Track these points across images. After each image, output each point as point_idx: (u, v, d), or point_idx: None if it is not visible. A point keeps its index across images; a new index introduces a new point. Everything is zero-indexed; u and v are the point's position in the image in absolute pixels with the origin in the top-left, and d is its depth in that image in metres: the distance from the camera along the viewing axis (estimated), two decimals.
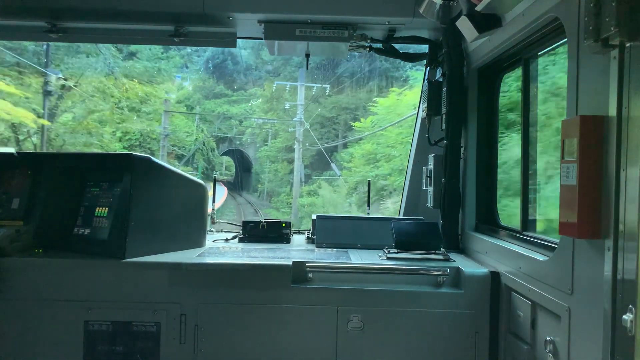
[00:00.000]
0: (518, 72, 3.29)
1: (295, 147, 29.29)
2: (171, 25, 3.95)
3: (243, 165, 44.25)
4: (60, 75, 22.24)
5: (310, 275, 3.16)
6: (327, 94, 33.21)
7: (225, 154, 44.67)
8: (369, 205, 4.77)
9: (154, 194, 3.44)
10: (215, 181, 4.94)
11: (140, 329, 3.14)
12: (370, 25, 3.97)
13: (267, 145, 41.00)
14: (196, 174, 30.95)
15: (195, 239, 3.70)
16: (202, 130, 38.08)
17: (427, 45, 4.19)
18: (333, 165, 28.85)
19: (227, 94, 41.76)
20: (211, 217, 4.49)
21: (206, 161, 38.54)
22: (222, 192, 27.86)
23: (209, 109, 40.38)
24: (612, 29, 1.82)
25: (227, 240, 4.14)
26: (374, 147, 22.90)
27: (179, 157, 32.63)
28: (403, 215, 4.72)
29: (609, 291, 1.92)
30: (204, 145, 37.86)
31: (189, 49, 34.21)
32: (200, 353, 3.12)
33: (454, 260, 3.40)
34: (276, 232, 4.17)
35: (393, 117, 20.53)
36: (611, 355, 1.93)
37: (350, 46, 4.10)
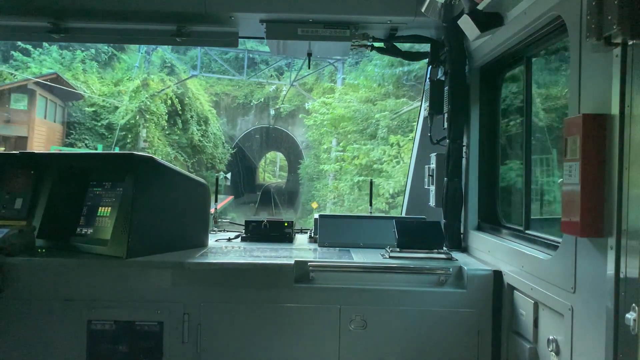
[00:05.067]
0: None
1: None
2: (173, 24, 3.95)
3: (290, 161, 26.27)
4: None
5: (312, 274, 3.16)
6: None
7: (238, 147, 25.91)
8: (371, 205, 4.77)
9: (157, 194, 3.45)
10: (217, 180, 4.95)
11: (143, 328, 3.14)
12: (372, 24, 3.97)
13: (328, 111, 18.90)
14: None
15: (198, 239, 3.70)
16: (171, 71, 17.92)
17: (429, 44, 4.19)
18: None
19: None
20: (214, 216, 4.50)
21: (189, 152, 18.67)
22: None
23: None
24: (614, 27, 1.81)
25: (229, 239, 4.14)
26: None
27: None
28: (405, 214, 4.72)
29: (612, 290, 1.92)
30: (165, 108, 17.30)
31: None
32: (203, 352, 3.13)
33: (457, 259, 3.39)
34: (278, 232, 4.16)
35: None
36: (614, 354, 1.93)
37: (352, 45, 4.11)
